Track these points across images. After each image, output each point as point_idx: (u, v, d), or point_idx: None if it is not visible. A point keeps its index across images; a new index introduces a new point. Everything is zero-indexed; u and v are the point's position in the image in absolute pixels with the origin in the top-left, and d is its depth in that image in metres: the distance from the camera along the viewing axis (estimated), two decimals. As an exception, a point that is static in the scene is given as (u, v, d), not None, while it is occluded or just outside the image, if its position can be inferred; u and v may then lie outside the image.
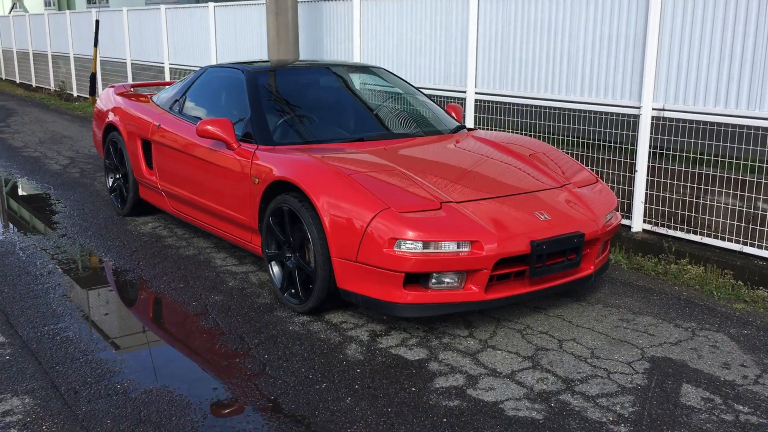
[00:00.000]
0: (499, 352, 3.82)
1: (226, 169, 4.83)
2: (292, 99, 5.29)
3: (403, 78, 6.09)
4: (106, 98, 6.80)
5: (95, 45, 14.37)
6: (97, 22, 14.22)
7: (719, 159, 5.72)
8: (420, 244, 3.73)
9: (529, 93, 7.02)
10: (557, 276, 4.13)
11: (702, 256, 5.53)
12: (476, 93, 7.55)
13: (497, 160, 4.70)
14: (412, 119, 5.35)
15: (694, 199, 5.91)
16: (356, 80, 5.68)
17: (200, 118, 5.38)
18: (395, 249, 3.74)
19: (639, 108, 6.11)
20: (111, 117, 6.38)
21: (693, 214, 5.93)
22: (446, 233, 3.76)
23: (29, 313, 4.32)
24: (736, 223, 5.67)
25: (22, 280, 4.88)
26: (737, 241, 5.66)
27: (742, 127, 5.57)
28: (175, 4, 15.33)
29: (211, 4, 11.68)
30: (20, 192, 7.54)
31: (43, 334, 4.02)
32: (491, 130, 7.40)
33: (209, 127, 4.78)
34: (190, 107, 5.60)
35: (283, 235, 4.36)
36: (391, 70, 6.20)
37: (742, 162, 5.64)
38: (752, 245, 5.58)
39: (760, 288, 4.84)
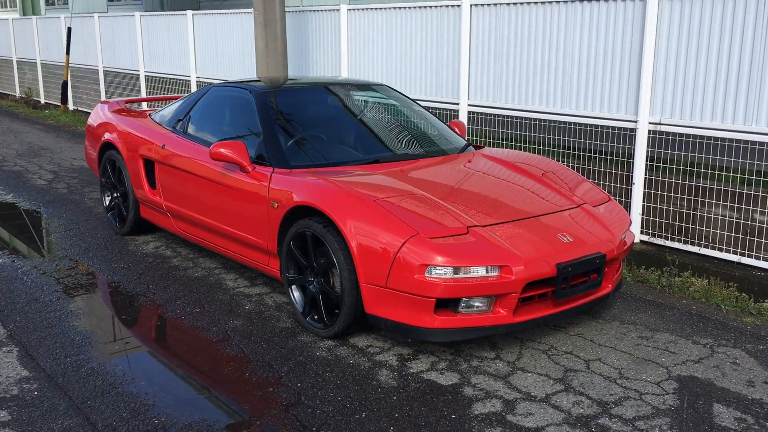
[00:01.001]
0: (529, 374, 3.87)
1: (241, 192, 4.81)
2: (302, 119, 5.28)
3: (405, 94, 6.12)
4: (101, 115, 6.70)
5: (67, 52, 14.12)
6: (69, 29, 13.98)
7: (716, 172, 5.87)
8: (450, 270, 3.77)
9: (523, 105, 7.11)
10: (579, 296, 4.20)
11: (701, 267, 5.67)
12: (469, 105, 7.61)
13: (512, 181, 4.75)
14: (421, 138, 5.38)
15: (691, 211, 6.05)
16: (362, 99, 5.68)
17: (207, 139, 5.34)
18: (426, 275, 3.77)
19: (635, 122, 6.23)
20: (108, 135, 6.29)
21: (690, 225, 6.07)
22: (476, 258, 3.80)
23: (47, 344, 4.25)
24: (733, 234, 5.82)
25: (32, 307, 4.80)
26: (735, 252, 5.81)
27: (738, 141, 5.72)
28: (150, 11, 15.15)
29: (189, 12, 11.56)
30: (10, 210, 7.38)
31: (66, 367, 3.97)
32: (484, 141, 7.47)
33: (223, 150, 4.76)
34: (196, 127, 5.55)
35: (305, 260, 4.36)
36: (393, 87, 6.23)
37: (738, 175, 5.79)
38: (750, 256, 5.74)
39: (765, 301, 4.97)
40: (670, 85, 6.01)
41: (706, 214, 5.98)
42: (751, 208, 5.71)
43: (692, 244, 6.03)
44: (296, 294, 4.50)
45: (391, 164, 4.82)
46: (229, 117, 5.45)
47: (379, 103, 5.72)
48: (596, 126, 6.54)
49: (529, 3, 6.95)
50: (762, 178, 5.62)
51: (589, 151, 6.66)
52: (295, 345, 4.25)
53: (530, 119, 7.07)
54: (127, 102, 7.00)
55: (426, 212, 4.08)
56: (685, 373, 3.89)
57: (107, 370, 3.93)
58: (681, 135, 6.01)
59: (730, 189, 5.77)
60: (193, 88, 11.74)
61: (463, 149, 5.37)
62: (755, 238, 5.70)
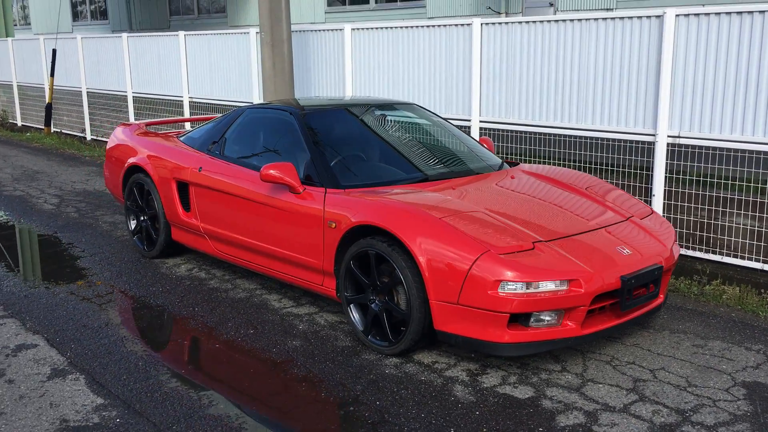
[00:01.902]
0: (600, 385, 3.97)
1: (292, 213, 4.84)
2: (344, 139, 5.34)
3: (434, 112, 6.21)
4: (123, 138, 6.67)
5: (51, 74, 13.96)
6: (54, 51, 13.83)
7: (735, 182, 6.07)
8: (523, 285, 3.85)
9: (537, 121, 7.25)
10: (639, 307, 4.32)
11: (726, 275, 5.84)
12: (481, 121, 7.74)
13: (560, 196, 4.87)
14: (460, 156, 5.48)
15: (712, 221, 6.24)
16: (397, 118, 5.76)
17: (248, 161, 5.37)
18: (499, 290, 3.85)
19: (654, 135, 6.41)
20: (135, 159, 6.27)
21: (711, 234, 6.26)
22: (546, 273, 3.90)
23: (113, 370, 4.23)
24: (755, 242, 6.02)
25: (84, 334, 4.76)
26: (757, 260, 6.01)
27: (759, 152, 5.93)
28: (118, 31, 15.05)
29: (182, 33, 11.54)
30: (27, 236, 7.28)
31: (140, 392, 3.95)
32: (500, 155, 7.61)
33: (273, 171, 4.79)
34: (234, 149, 5.57)
35: (367, 279, 4.41)
36: (421, 105, 6.33)
37: (759, 185, 6.00)
38: (772, 263, 5.93)
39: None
40: (689, 99, 6.20)
41: (727, 224, 6.17)
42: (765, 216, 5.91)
43: (714, 252, 6.21)
44: (356, 313, 4.54)
45: (440, 182, 4.90)
46: (268, 138, 5.48)
47: (413, 121, 5.80)
48: (613, 140, 6.71)
49: (542, 21, 7.11)
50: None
51: (606, 165, 6.83)
52: (361, 363, 4.29)
53: (545, 134, 7.21)
54: (148, 124, 6.97)
55: (489, 229, 4.17)
56: (749, 379, 4.03)
57: (182, 395, 3.92)
58: (700, 147, 6.20)
59: (751, 199, 5.96)
60: (186, 109, 11.70)
61: (501, 166, 5.47)
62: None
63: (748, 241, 6.05)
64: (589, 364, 4.23)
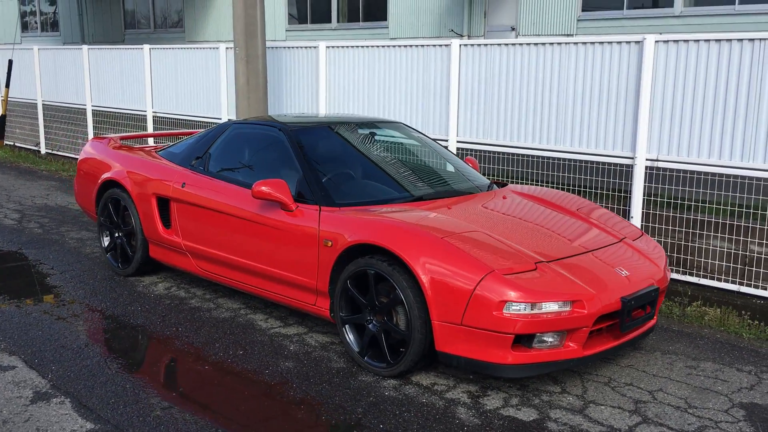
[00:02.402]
0: (602, 407, 3.96)
1: (284, 231, 4.74)
2: (335, 157, 5.27)
3: (419, 131, 6.19)
4: (97, 152, 6.47)
5: (7, 85, 13.55)
6: (11, 62, 13.43)
7: (713, 206, 6.18)
8: (528, 306, 3.83)
9: (515, 143, 7.30)
10: (635, 329, 4.33)
11: (703, 296, 5.93)
12: (458, 141, 7.75)
13: (553, 217, 4.87)
14: (449, 175, 5.46)
15: (689, 243, 6.34)
16: (385, 136, 5.72)
17: (235, 178, 5.26)
18: (504, 311, 3.82)
19: (633, 158, 6.50)
20: (111, 173, 6.08)
21: (687, 256, 6.35)
22: (550, 294, 3.88)
23: (99, 393, 4.05)
24: (731, 264, 6.13)
25: (64, 355, 4.56)
26: (733, 282, 6.12)
27: (736, 177, 6.05)
28: (69, 43, 14.73)
29: (146, 46, 11.33)
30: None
31: (131, 416, 3.79)
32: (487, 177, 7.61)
33: (265, 188, 4.69)
34: (219, 166, 5.45)
35: (364, 299, 4.33)
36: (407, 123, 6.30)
37: (735, 208, 6.12)
38: (748, 285, 6.05)
39: (780, 327, 5.25)
40: (667, 123, 6.31)
41: (704, 246, 6.27)
42: (749, 239, 6.03)
43: (691, 274, 6.31)
44: (351, 333, 4.46)
45: (433, 202, 4.86)
46: (256, 155, 5.38)
47: (400, 140, 5.77)
48: (591, 162, 6.78)
49: (521, 44, 7.18)
50: (760, 211, 5.95)
51: (584, 187, 6.90)
52: (358, 385, 4.20)
53: (523, 156, 7.26)
54: (122, 138, 6.79)
55: (490, 249, 4.14)
56: (745, 400, 4.07)
57: (176, 418, 3.78)
58: (678, 170, 6.31)
59: (728, 222, 6.07)
60: (149, 124, 11.47)
61: (490, 186, 5.46)
62: (753, 268, 6.02)
63: (724, 263, 6.16)
64: (588, 385, 4.22)
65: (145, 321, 5.17)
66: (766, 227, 5.94)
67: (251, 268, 5.03)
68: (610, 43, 6.61)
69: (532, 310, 3.84)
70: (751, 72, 5.84)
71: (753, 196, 6.03)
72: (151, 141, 10.50)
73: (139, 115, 11.62)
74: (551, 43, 6.97)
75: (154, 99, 11.40)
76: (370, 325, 4.34)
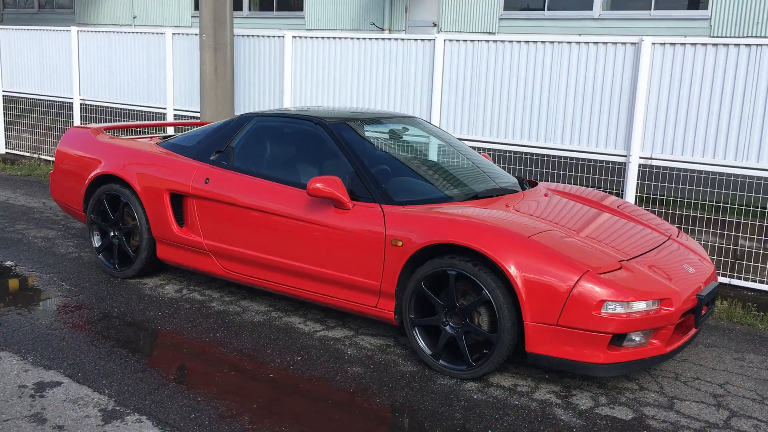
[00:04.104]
0: (686, 402, 4.05)
1: (340, 231, 4.54)
2: (379, 154, 5.10)
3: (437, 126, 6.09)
4: (83, 144, 5.95)
5: None
6: None
7: (705, 202, 6.48)
8: (623, 305, 3.85)
9: (503, 140, 7.34)
10: (702, 324, 4.46)
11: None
12: (440, 137, 7.71)
13: (603, 216, 4.91)
14: (488, 172, 5.39)
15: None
16: (412, 131, 5.58)
17: (271, 174, 4.98)
18: (602, 311, 3.83)
19: (626, 156, 6.70)
20: (108, 167, 5.61)
21: (679, 251, 6.61)
22: (642, 293, 3.92)
23: (174, 408, 3.72)
24: (722, 258, 6.44)
25: (109, 368, 4.16)
26: (723, 275, 6.43)
27: (729, 175, 6.36)
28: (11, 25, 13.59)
29: (74, 29, 10.57)
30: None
31: (201, 425, 3.51)
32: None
33: (320, 185, 4.48)
34: (247, 161, 5.14)
35: (444, 300, 4.21)
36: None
37: (728, 205, 6.44)
38: (738, 278, 6.38)
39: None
40: (662, 123, 6.54)
41: (695, 240, 6.54)
42: (739, 235, 6.35)
43: (683, 268, 6.57)
44: (422, 336, 4.33)
45: (489, 200, 4.79)
46: (290, 150, 5.11)
47: (426, 135, 5.65)
48: (585, 160, 6.93)
49: (510, 42, 7.22)
50: (752, 208, 6.29)
51: (577, 183, 7.04)
52: (440, 389, 4.08)
53: (512, 152, 7.32)
54: (107, 128, 6.27)
55: (574, 247, 4.13)
56: (808, 389, 4.28)
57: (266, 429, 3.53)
58: (671, 168, 6.56)
59: (720, 218, 6.37)
60: (76, 111, 10.70)
61: (524, 183, 5.44)
62: (744, 262, 6.35)
63: (715, 257, 6.46)
64: (661, 381, 4.30)
65: (174, 327, 4.81)
66: (757, 223, 6.28)
67: (294, 269, 4.78)
68: (605, 43, 6.77)
69: (626, 309, 3.86)
70: (747, 75, 6.14)
71: (746, 194, 6.35)
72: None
73: (64, 102, 10.83)
74: (543, 42, 7.06)
75: (82, 86, 10.65)
76: (446, 327, 4.23)
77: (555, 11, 11.88)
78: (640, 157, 6.65)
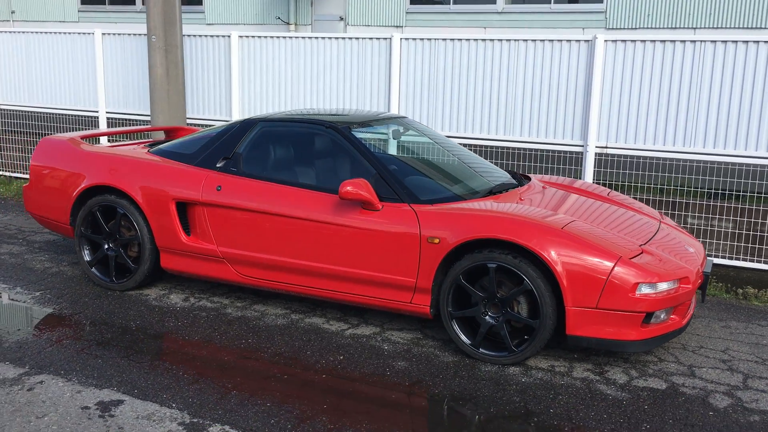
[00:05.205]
0: (704, 369, 4.51)
1: (371, 231, 4.69)
2: (391, 154, 5.26)
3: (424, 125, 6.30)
4: (63, 155, 5.75)
5: None
6: None
7: (659, 186, 7.06)
8: (653, 286, 4.25)
9: (463, 134, 7.66)
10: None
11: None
12: (398, 133, 7.93)
13: (602, 205, 5.30)
14: (488, 169, 5.66)
15: (637, 221, 7.16)
16: (411, 132, 5.76)
17: (286, 179, 5.05)
18: (636, 292, 4.21)
19: (584, 146, 7.19)
20: (101, 178, 5.47)
21: (634, 232, 7.18)
22: (665, 274, 4.33)
23: (252, 417, 3.79)
24: (674, 237, 7.04)
25: (163, 382, 4.14)
26: (675, 252, 7.04)
27: (677, 160, 6.97)
28: None
29: (-14, 30, 9.99)
30: None
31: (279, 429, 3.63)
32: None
33: (350, 188, 4.61)
34: (259, 167, 5.17)
35: (483, 293, 4.46)
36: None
37: (679, 188, 7.05)
38: (688, 254, 7.00)
39: (747, 287, 6.18)
40: (615, 114, 7.06)
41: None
42: (688, 214, 6.98)
43: (639, 248, 7.14)
44: (461, 328, 4.56)
45: (504, 195, 5.06)
46: (303, 154, 5.18)
47: (421, 135, 5.85)
48: (544, 151, 7.37)
49: (468, 40, 7.54)
50: (700, 189, 6.92)
51: (537, 173, 7.46)
52: (487, 376, 4.34)
53: (475, 146, 7.65)
54: (84, 137, 6.07)
55: (600, 236, 4.48)
56: (796, 349, 4.85)
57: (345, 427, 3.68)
58: (625, 156, 7.10)
59: (670, 200, 6.97)
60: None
61: (517, 178, 5.76)
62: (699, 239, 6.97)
63: (668, 236, 7.05)
64: (673, 352, 4.75)
65: (201, 336, 4.80)
66: (705, 203, 6.92)
67: (320, 271, 4.89)
68: (560, 41, 7.20)
69: (654, 289, 4.26)
70: (693, 69, 6.74)
71: (694, 177, 6.98)
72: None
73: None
74: (500, 40, 7.42)
75: (-2, 89, 10.10)
76: (486, 317, 4.48)
77: (460, 5, 12.23)
78: (596, 147, 7.15)
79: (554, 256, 4.25)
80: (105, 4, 15.60)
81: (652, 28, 10.95)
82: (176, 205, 5.27)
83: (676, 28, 10.93)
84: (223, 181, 5.16)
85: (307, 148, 5.21)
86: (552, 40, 7.23)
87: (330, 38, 8.10)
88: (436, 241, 4.53)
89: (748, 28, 10.13)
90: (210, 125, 8.76)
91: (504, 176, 5.57)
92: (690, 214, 6.97)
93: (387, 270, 4.70)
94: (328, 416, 3.81)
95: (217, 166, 5.28)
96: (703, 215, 6.92)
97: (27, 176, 9.79)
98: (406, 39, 7.78)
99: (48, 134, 9.57)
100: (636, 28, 11.23)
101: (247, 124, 5.39)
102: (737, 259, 6.76)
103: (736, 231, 6.85)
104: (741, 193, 6.85)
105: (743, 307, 5.70)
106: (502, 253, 4.37)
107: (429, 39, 7.69)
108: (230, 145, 5.32)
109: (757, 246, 6.74)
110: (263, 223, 5.01)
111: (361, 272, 4.77)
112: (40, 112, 9.86)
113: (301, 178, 5.06)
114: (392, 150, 5.43)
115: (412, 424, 3.77)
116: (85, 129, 9.41)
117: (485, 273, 4.46)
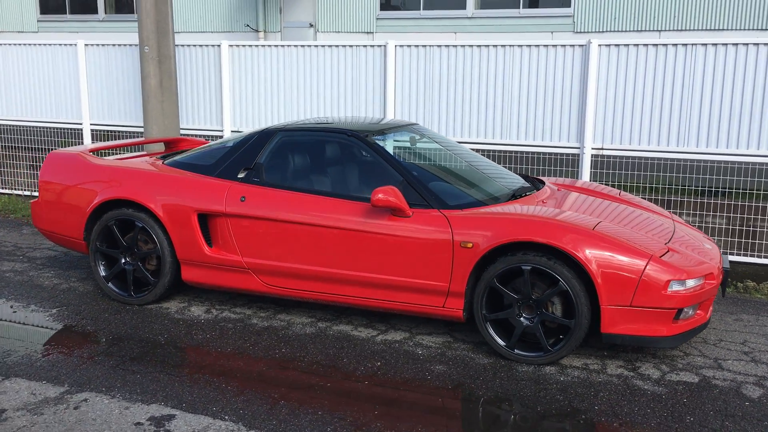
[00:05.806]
0: (729, 361, 4.67)
1: (403, 238, 4.74)
2: (414, 162, 5.32)
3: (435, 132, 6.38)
4: (75, 169, 5.67)
5: None
6: None
7: (654, 185, 7.27)
8: (683, 283, 4.40)
9: (460, 138, 7.77)
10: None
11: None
12: (394, 139, 8.00)
13: (618, 206, 5.44)
14: (502, 173, 5.75)
15: (633, 220, 7.35)
16: (426, 139, 5.83)
17: (311, 188, 5.09)
18: (669, 290, 4.35)
19: (580, 148, 7.35)
20: (118, 191, 5.41)
21: (631, 231, 7.37)
22: (692, 272, 4.48)
23: (306, 426, 3.81)
24: (670, 235, 7.25)
25: (208, 395, 4.13)
26: (671, 249, 7.25)
27: (672, 160, 7.18)
28: None
29: (-40, 43, 9.76)
30: None
31: (376, 441, 3.66)
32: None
33: (381, 195, 4.67)
34: (282, 176, 5.18)
35: (518, 295, 4.55)
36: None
37: (673, 187, 7.26)
38: (684, 250, 7.22)
39: (746, 281, 6.40)
40: (610, 117, 7.24)
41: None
42: (683, 212, 7.20)
43: (637, 246, 7.33)
44: (495, 331, 4.65)
45: (525, 198, 5.16)
46: (325, 163, 5.21)
47: (435, 141, 5.92)
48: (541, 153, 7.52)
49: (463, 46, 7.65)
50: (694, 187, 7.14)
51: (534, 175, 7.60)
52: (524, 376, 4.43)
53: (474, 150, 7.75)
54: (92, 150, 6.00)
55: (628, 236, 4.61)
56: (809, 339, 5.06)
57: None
58: (620, 157, 7.29)
59: (666, 198, 7.18)
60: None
61: (525, 179, 5.87)
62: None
63: (664, 234, 7.26)
64: (697, 346, 4.91)
65: (234, 348, 4.80)
66: (699, 200, 7.14)
67: (349, 278, 4.92)
68: (555, 46, 7.36)
69: (684, 286, 4.40)
70: (685, 71, 6.95)
71: (687, 175, 7.19)
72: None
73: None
74: (495, 46, 7.54)
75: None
76: (521, 319, 4.57)
77: (430, 11, 12.34)
78: (593, 148, 7.32)
79: (588, 256, 4.36)
80: (66, 13, 15.32)
81: (618, 31, 11.22)
82: (198, 216, 5.25)
83: (641, 30, 11.21)
84: (246, 192, 5.16)
85: (330, 157, 5.24)
86: (547, 45, 7.38)
87: (323, 46, 8.13)
88: (469, 245, 4.60)
89: (711, 30, 10.48)
90: (202, 136, 8.71)
91: (519, 180, 5.68)
92: (684, 211, 7.18)
93: (419, 275, 4.76)
94: (383, 422, 3.85)
95: (239, 176, 5.27)
96: (698, 212, 7.13)
97: (6, 191, 9.59)
98: (401, 46, 7.86)
99: (33, 147, 9.40)
100: (603, 32, 11.49)
101: (266, 134, 5.39)
102: (732, 254, 6.99)
103: (730, 227, 7.08)
104: (733, 190, 7.08)
105: (748, 300, 5.91)
106: (536, 255, 4.46)
107: (424, 45, 7.78)
108: (251, 156, 5.32)
109: (750, 241, 6.98)
110: (290, 233, 5.02)
111: (391, 278, 4.82)
112: (22, 126, 9.67)
113: (326, 187, 5.09)
114: (412, 157, 5.49)
115: (468, 426, 3.83)
116: (69, 142, 9.25)
117: (518, 275, 4.55)
